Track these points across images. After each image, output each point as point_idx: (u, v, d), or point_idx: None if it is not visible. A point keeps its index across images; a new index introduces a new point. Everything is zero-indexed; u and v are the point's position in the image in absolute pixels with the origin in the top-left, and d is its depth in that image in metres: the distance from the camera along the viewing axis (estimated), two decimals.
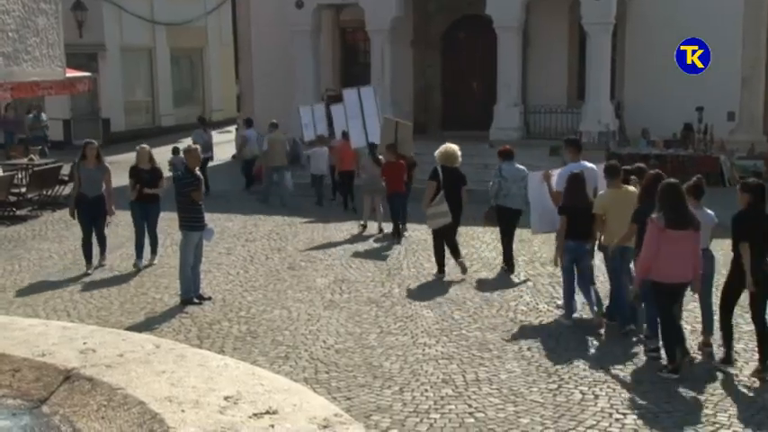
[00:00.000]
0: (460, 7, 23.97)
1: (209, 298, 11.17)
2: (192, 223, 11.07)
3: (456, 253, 12.36)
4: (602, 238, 9.94)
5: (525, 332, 9.80)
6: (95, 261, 12.88)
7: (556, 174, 11.16)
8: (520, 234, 13.10)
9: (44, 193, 18.08)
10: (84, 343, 5.01)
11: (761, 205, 8.37)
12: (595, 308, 10.07)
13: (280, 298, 11.29)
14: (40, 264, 13.33)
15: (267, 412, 4.00)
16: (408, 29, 24.27)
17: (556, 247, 10.33)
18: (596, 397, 7.86)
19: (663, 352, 8.60)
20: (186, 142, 21.24)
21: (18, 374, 4.70)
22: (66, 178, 18.81)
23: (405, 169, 15.10)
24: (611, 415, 7.47)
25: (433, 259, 12.57)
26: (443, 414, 7.50)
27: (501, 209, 12.32)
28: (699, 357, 8.88)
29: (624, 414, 7.48)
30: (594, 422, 7.33)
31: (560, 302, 10.52)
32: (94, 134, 28.77)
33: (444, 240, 12.29)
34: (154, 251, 13.25)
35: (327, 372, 8.58)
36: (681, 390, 8.01)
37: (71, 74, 20.66)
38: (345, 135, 18.65)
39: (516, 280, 12.05)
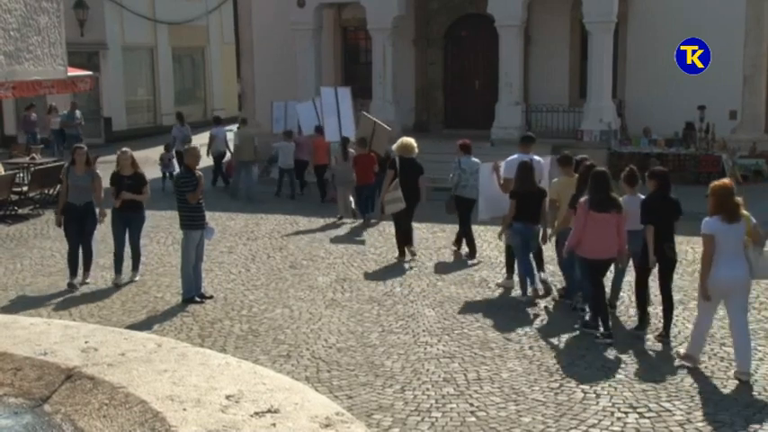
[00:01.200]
0: (462, 6, 23.95)
1: (211, 297, 11.17)
2: (192, 222, 11.04)
3: (409, 239, 13.35)
4: (556, 223, 10.76)
5: (527, 331, 9.80)
6: (80, 276, 11.93)
7: (503, 164, 12.16)
8: None
9: (46, 191, 18.08)
10: (86, 342, 5.00)
11: (666, 191, 9.45)
12: (537, 286, 11.08)
13: (281, 297, 11.29)
14: (41, 262, 13.34)
15: (269, 411, 4.00)
16: (410, 27, 24.24)
17: (502, 224, 11.45)
18: (598, 396, 7.86)
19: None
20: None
21: (20, 373, 4.70)
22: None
23: (374, 162, 16.20)
24: (612, 414, 7.47)
25: (435, 258, 13.02)
26: (445, 413, 7.50)
27: (459, 199, 13.23)
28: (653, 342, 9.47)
29: (626, 413, 7.48)
30: (596, 421, 7.33)
31: (500, 281, 11.67)
32: (96, 133, 28.87)
33: (400, 225, 13.36)
34: (135, 267, 12.18)
35: (329, 370, 8.59)
36: (682, 389, 8.01)
37: (72, 72, 20.70)
38: (319, 130, 19.41)
39: (517, 278, 12.04)
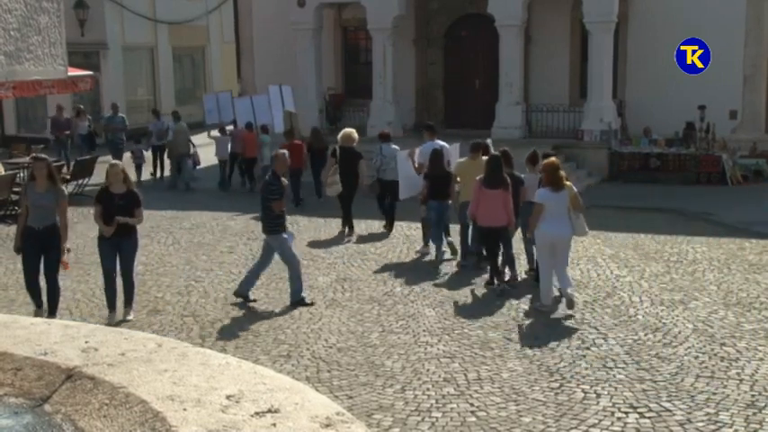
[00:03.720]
0: (462, 6, 23.94)
1: (312, 303, 10.90)
2: (277, 229, 10.97)
3: (348, 221, 15.07)
4: (459, 196, 12.65)
5: (527, 331, 9.81)
6: (44, 314, 9.97)
7: (417, 151, 14.16)
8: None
9: None
10: (86, 342, 4.99)
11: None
12: (453, 255, 13.04)
13: (281, 297, 11.29)
14: None
15: (269, 411, 3.99)
16: (410, 27, 24.24)
17: (420, 203, 13.36)
18: (598, 396, 7.86)
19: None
20: (193, 140, 21.95)
21: (20, 373, 4.69)
22: (69, 177, 18.78)
23: (302, 149, 18.37)
24: (612, 414, 7.48)
25: (435, 254, 13.19)
26: (445, 413, 7.50)
27: (381, 181, 15.02)
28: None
29: (626, 413, 7.48)
30: (596, 421, 7.33)
31: (419, 248, 13.59)
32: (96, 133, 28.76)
33: (342, 206, 15.12)
34: (129, 302, 10.44)
35: (329, 370, 8.59)
36: (682, 389, 8.01)
37: (73, 72, 20.69)
38: (249, 125, 20.93)
39: (524, 278, 12.05)
